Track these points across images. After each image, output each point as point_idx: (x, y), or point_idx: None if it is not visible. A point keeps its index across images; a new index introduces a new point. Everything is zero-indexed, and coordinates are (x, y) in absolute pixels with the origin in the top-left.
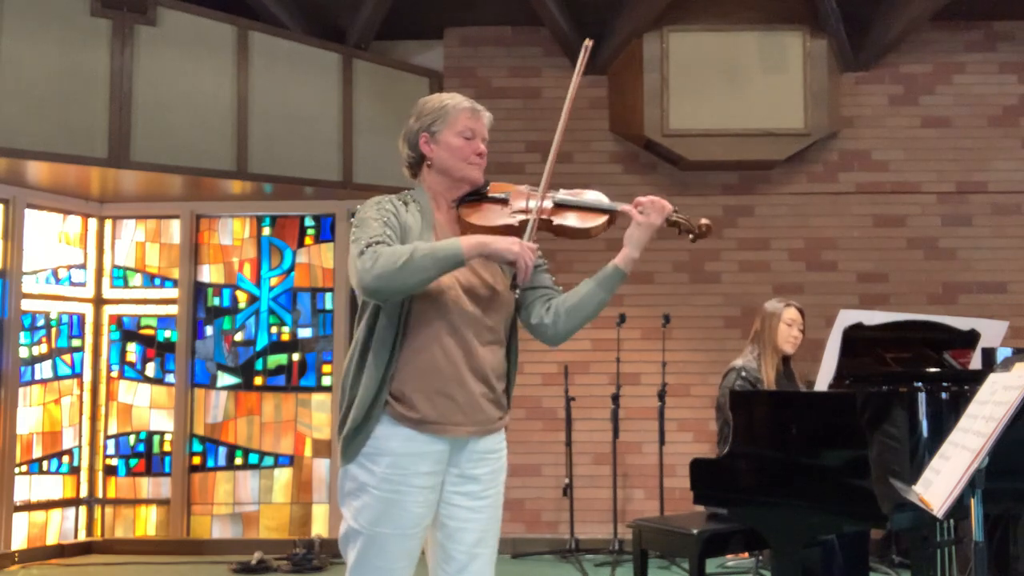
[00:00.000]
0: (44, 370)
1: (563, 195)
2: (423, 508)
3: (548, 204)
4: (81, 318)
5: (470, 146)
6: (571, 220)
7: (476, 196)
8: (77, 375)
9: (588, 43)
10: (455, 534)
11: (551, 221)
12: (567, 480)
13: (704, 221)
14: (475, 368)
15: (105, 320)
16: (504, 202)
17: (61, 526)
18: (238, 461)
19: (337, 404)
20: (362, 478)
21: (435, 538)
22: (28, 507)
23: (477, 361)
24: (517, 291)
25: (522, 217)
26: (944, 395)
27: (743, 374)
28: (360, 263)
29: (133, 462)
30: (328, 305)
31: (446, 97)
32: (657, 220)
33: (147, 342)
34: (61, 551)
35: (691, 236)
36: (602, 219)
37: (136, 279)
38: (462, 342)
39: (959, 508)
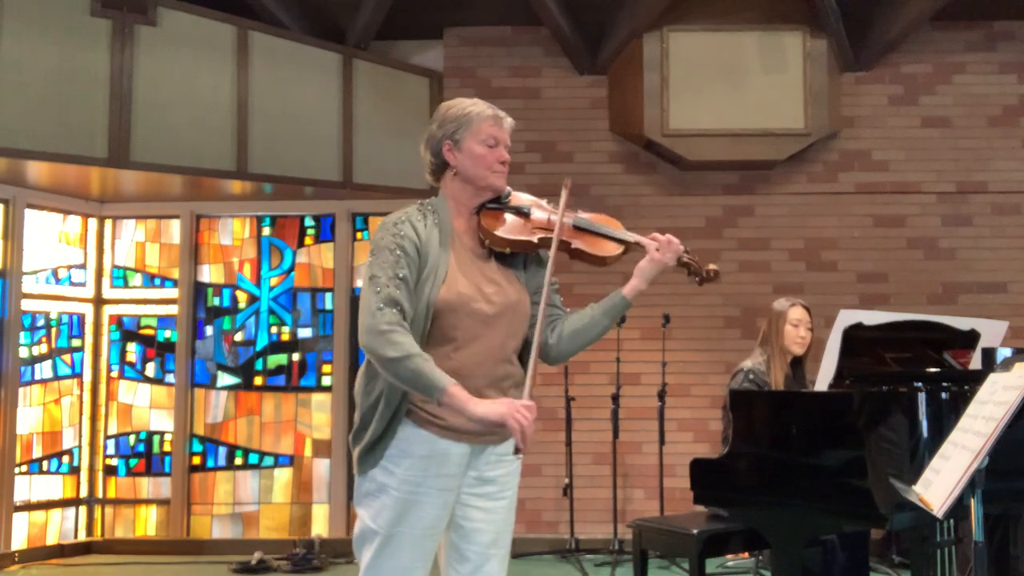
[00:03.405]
0: (44, 370)
1: (583, 219)
2: (441, 510)
3: (568, 225)
4: (81, 318)
5: (493, 154)
6: (588, 246)
7: (497, 205)
8: (77, 375)
9: (568, 182)
10: (470, 535)
11: (569, 244)
12: (567, 480)
13: (712, 266)
14: (495, 376)
15: (105, 320)
16: (526, 215)
17: (61, 526)
18: (238, 461)
19: (337, 405)
20: (382, 479)
21: (449, 539)
22: (28, 507)
23: (497, 369)
24: (519, 455)
25: (541, 234)
26: (944, 395)
27: (750, 377)
28: (372, 319)
29: (133, 462)
30: (328, 305)
31: (468, 104)
32: (671, 260)
33: (147, 342)
34: (61, 551)
35: (697, 279)
36: (619, 249)
37: (136, 279)
38: (483, 351)
39: (959, 508)
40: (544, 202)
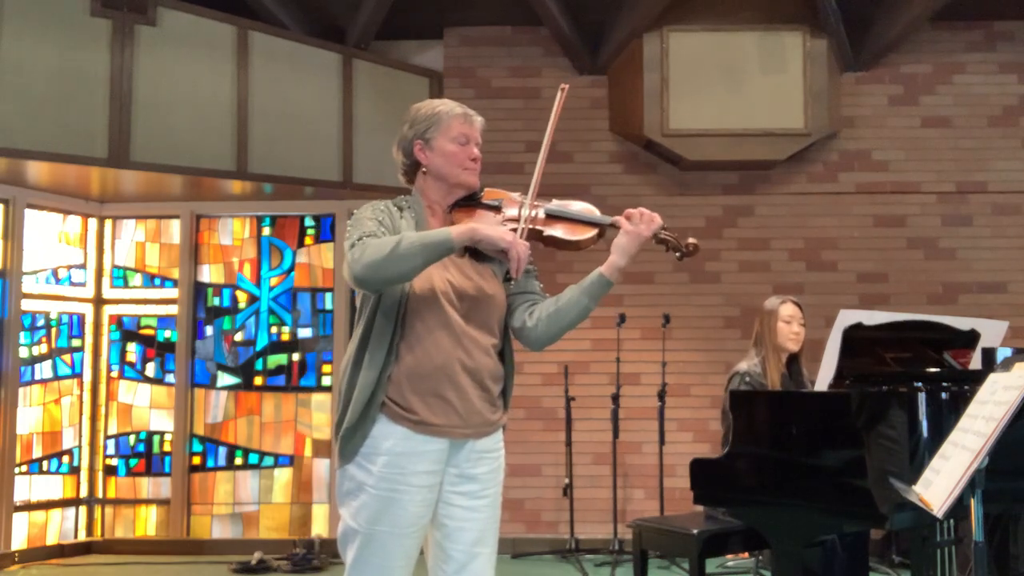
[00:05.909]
0: (44, 370)
1: (554, 206)
2: (421, 507)
3: (539, 214)
4: (81, 318)
5: (464, 151)
6: (561, 232)
7: (470, 201)
8: (77, 375)
9: (564, 87)
10: (454, 533)
11: (541, 232)
12: (567, 480)
13: (691, 240)
14: (470, 370)
15: (105, 320)
16: (497, 209)
17: (61, 526)
18: (238, 461)
19: (337, 405)
20: (360, 477)
21: (434, 538)
22: (28, 507)
23: (473, 363)
24: (512, 283)
25: (512, 226)
26: (944, 395)
27: (747, 379)
28: (350, 255)
29: (133, 462)
30: (328, 305)
31: (438, 103)
32: (645, 231)
33: (147, 342)
34: (61, 551)
35: (678, 254)
36: (591, 232)
37: (136, 279)
38: (457, 345)
39: (959, 508)
40: (517, 195)
